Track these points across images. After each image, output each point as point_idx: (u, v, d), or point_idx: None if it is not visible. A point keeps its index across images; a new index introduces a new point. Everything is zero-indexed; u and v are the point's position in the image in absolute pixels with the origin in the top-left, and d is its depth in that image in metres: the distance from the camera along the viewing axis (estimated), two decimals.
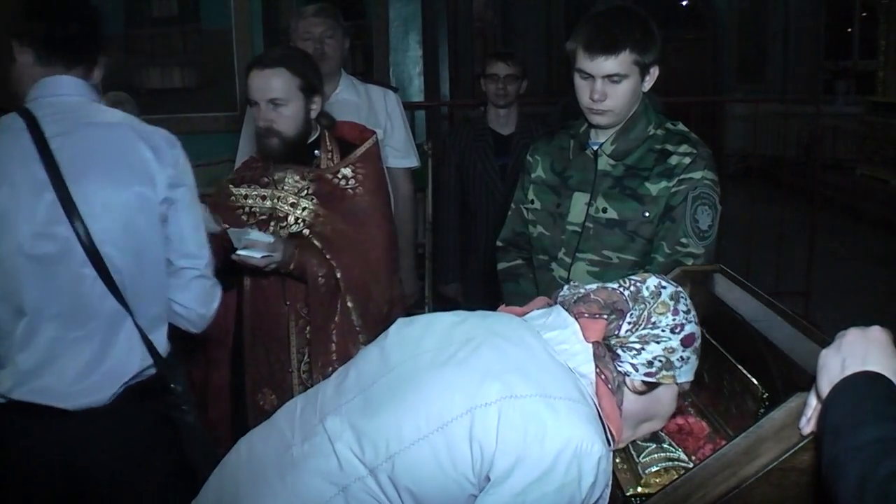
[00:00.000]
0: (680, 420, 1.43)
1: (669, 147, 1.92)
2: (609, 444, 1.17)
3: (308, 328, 2.20)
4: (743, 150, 9.77)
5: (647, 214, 1.90)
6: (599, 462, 1.11)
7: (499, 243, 2.23)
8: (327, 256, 2.14)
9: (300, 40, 2.87)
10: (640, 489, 1.30)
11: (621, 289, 1.26)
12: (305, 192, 2.19)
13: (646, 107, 1.96)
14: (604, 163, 1.96)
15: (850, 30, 11.73)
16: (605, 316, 1.22)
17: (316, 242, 2.15)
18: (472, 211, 3.43)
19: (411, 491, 1.15)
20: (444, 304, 4.31)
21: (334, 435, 1.22)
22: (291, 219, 2.18)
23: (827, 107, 9.12)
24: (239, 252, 2.01)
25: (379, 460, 1.16)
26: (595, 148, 1.98)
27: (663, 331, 1.21)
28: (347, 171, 2.21)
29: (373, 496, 1.17)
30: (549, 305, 1.34)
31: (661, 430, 1.44)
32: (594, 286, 1.29)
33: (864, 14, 11.25)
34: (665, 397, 1.25)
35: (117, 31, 4.36)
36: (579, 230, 1.97)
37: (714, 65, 13.14)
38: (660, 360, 1.21)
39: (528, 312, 1.34)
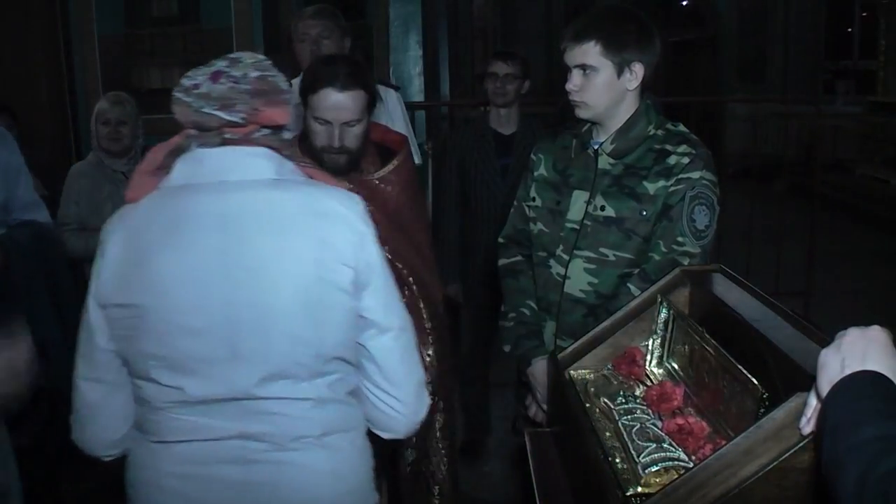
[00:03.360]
0: (680, 420, 1.43)
1: (669, 147, 1.93)
2: None
3: None
4: (743, 150, 9.78)
5: (644, 213, 1.91)
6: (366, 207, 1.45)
7: (500, 240, 2.25)
8: (398, 265, 2.16)
9: (297, 41, 2.90)
10: (640, 489, 1.29)
11: (264, 73, 1.41)
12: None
13: (647, 107, 1.97)
14: (604, 162, 1.97)
15: (850, 30, 11.75)
16: (284, 100, 1.42)
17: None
18: (473, 211, 3.43)
19: (341, 355, 1.39)
20: (445, 304, 4.31)
21: (267, 394, 1.36)
22: None
23: (827, 107, 9.13)
24: None
25: (311, 362, 1.36)
26: (596, 147, 1.98)
27: (290, 94, 1.44)
28: (391, 177, 2.23)
29: (344, 382, 1.42)
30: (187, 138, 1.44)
31: (661, 430, 1.44)
32: (221, 83, 1.38)
33: (864, 14, 11.26)
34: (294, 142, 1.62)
35: (117, 31, 4.37)
36: (577, 228, 1.97)
37: (714, 65, 13.15)
38: (295, 118, 1.46)
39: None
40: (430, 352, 2.28)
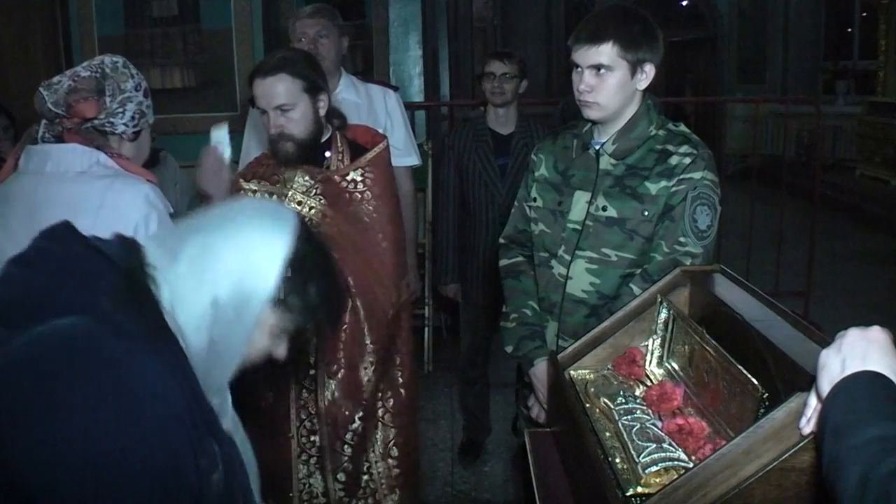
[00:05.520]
0: (680, 420, 1.43)
1: (670, 147, 1.93)
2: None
3: None
4: (743, 150, 9.79)
5: (646, 213, 1.91)
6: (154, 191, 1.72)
7: (501, 240, 2.24)
8: (337, 256, 2.14)
9: (296, 41, 2.90)
10: (640, 489, 1.29)
11: (92, 73, 1.69)
12: (314, 191, 2.19)
13: (648, 107, 1.97)
14: (605, 162, 1.97)
15: (850, 30, 11.74)
16: (95, 97, 1.67)
17: None
18: (471, 211, 3.43)
19: None
20: (444, 304, 4.32)
21: None
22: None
23: (827, 107, 9.13)
24: None
25: None
26: (597, 147, 1.98)
27: (131, 92, 1.73)
28: (356, 175, 2.21)
29: None
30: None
31: (662, 430, 1.44)
32: (66, 80, 1.68)
33: (864, 14, 11.25)
34: (146, 136, 1.84)
35: (117, 32, 4.37)
36: (579, 228, 1.97)
37: (714, 65, 13.15)
38: (137, 114, 1.75)
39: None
40: (365, 366, 2.20)
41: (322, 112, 2.17)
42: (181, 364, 1.04)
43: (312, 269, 1.15)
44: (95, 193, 1.66)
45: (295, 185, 2.20)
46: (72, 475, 0.92)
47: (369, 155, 2.24)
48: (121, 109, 1.71)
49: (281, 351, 1.21)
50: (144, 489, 0.95)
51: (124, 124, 1.73)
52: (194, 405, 1.03)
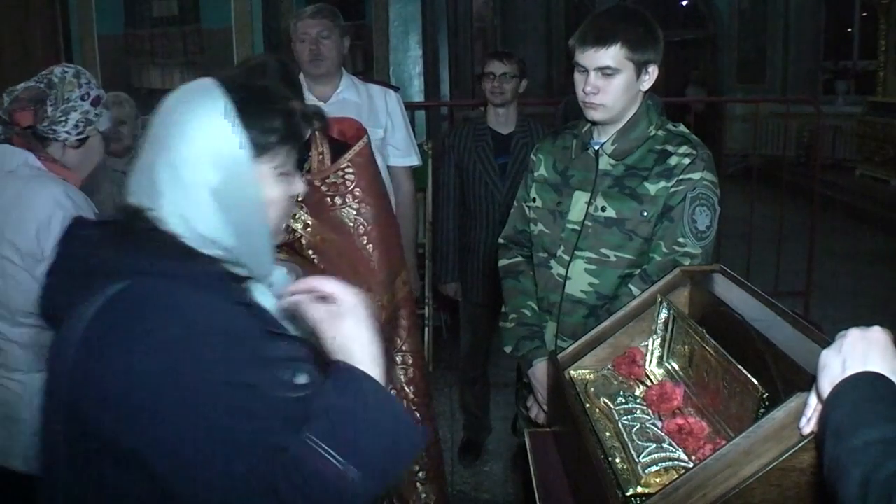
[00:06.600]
0: (680, 420, 1.43)
1: (670, 148, 1.93)
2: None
3: None
4: (743, 150, 9.79)
5: (645, 214, 1.91)
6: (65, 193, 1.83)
7: (500, 240, 2.24)
8: (321, 266, 2.13)
9: (297, 41, 2.90)
10: (640, 489, 1.29)
11: (38, 84, 1.83)
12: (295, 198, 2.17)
13: (647, 108, 1.96)
14: (605, 162, 1.97)
15: (850, 30, 11.74)
16: (32, 106, 1.81)
17: (309, 253, 2.14)
18: (471, 210, 3.43)
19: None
20: (444, 303, 4.32)
21: None
22: (283, 225, 2.17)
23: (827, 107, 9.14)
24: None
25: (8, 314, 1.89)
26: (596, 147, 1.98)
27: (76, 101, 1.85)
28: (335, 178, 2.16)
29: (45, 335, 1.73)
30: None
31: (662, 430, 1.44)
32: (21, 88, 1.84)
33: (864, 14, 11.25)
34: (95, 143, 1.96)
35: (117, 31, 4.37)
36: (578, 228, 1.97)
37: (714, 65, 13.16)
38: (82, 122, 1.87)
39: None
40: None
41: None
42: (217, 285, 1.09)
43: (262, 104, 1.16)
44: (13, 192, 1.82)
45: None
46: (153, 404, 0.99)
47: (349, 154, 2.18)
48: (63, 118, 1.83)
49: (297, 186, 1.24)
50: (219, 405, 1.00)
51: (66, 132, 1.85)
52: (249, 320, 1.08)
